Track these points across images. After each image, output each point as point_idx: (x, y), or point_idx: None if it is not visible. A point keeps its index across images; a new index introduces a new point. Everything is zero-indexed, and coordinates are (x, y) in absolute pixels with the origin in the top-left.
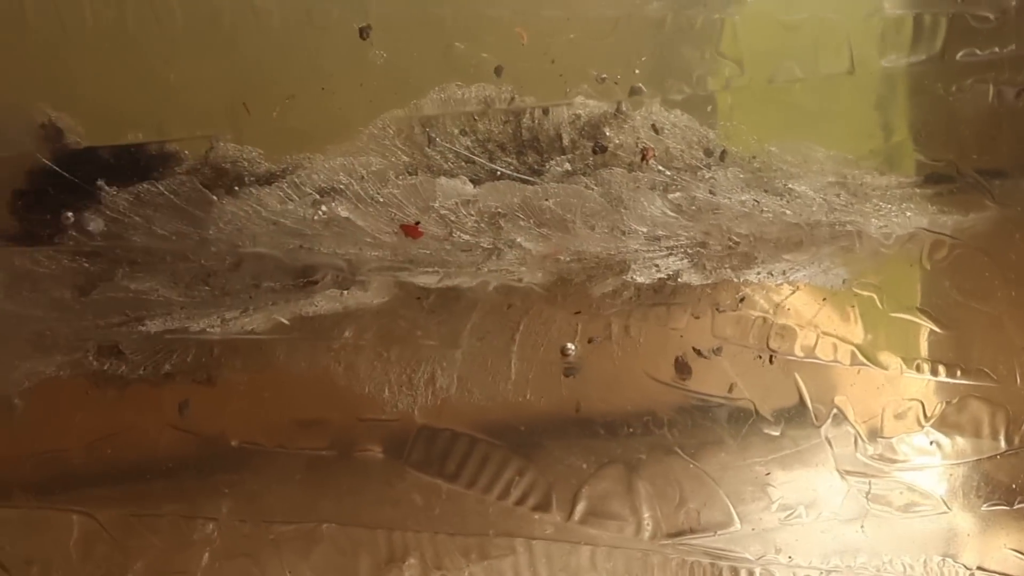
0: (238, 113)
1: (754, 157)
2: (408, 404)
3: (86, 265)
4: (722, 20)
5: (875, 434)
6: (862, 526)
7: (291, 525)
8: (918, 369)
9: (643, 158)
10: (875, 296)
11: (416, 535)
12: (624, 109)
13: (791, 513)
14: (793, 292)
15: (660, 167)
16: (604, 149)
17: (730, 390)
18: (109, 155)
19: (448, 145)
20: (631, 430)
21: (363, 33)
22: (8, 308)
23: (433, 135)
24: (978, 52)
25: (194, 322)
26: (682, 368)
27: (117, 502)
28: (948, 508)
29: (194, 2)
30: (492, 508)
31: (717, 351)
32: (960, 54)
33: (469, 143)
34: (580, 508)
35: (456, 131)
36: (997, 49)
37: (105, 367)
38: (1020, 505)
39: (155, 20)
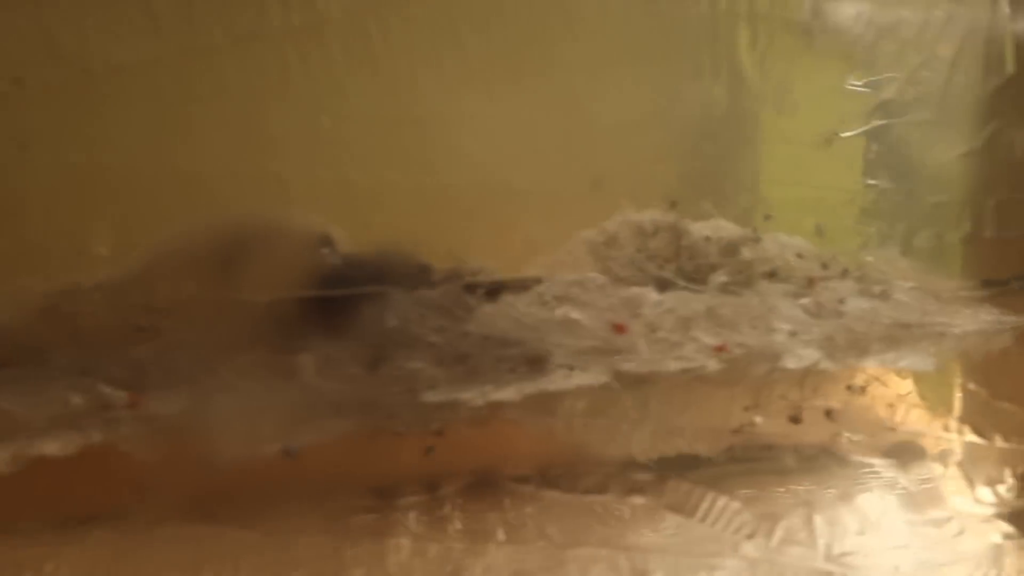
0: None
1: (858, 267)
2: (614, 453)
3: (373, 349)
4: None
5: (975, 485)
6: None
7: (580, 549)
8: (996, 440)
9: (810, 284)
10: (982, 389)
11: (661, 555)
12: (759, 235)
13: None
14: (898, 375)
15: (788, 283)
16: (773, 275)
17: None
18: (392, 266)
19: (628, 259)
20: (810, 485)
21: (596, 184)
22: (317, 382)
23: (615, 253)
24: None
25: (460, 393)
26: (796, 420)
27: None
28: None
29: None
30: (720, 536)
31: (830, 414)
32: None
33: (643, 258)
34: (777, 536)
35: (633, 248)
36: None
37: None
38: None
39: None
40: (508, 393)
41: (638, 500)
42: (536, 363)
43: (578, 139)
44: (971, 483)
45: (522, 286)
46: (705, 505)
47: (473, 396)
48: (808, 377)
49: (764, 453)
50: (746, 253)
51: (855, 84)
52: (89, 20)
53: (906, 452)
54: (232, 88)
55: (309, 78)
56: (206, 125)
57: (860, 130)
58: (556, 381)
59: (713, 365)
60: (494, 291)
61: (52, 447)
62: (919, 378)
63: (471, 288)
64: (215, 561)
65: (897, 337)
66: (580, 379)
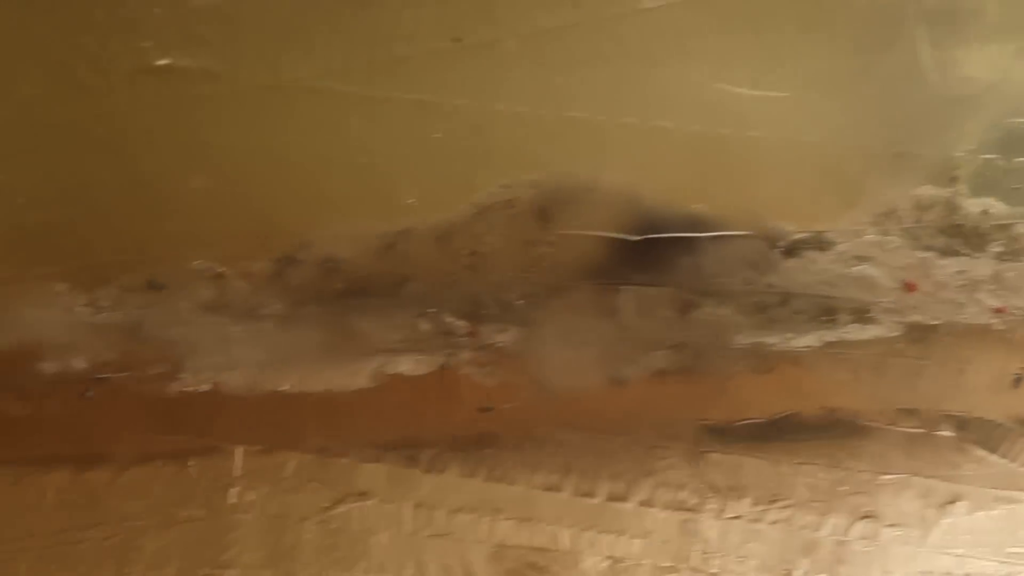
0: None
1: None
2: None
3: (684, 296)
4: None
5: None
6: None
7: (888, 476)
8: None
9: None
10: None
11: (967, 485)
12: None
13: None
14: None
15: None
16: None
17: None
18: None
19: (906, 227)
20: None
21: (898, 157)
22: (635, 322)
23: (893, 222)
24: None
25: (763, 339)
26: None
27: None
28: None
29: None
30: (1018, 472)
31: None
32: None
33: (922, 227)
34: None
35: (912, 220)
36: None
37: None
38: None
39: None
40: (807, 340)
41: (946, 434)
42: (832, 314)
43: (890, 113)
44: None
45: (822, 244)
46: (1007, 442)
47: (776, 342)
48: None
49: None
50: (1018, 229)
51: None
52: None
53: None
54: (631, 51)
55: (684, 46)
56: (595, 83)
57: None
58: (851, 332)
59: (993, 323)
60: (795, 248)
61: (405, 366)
62: None
63: (775, 244)
64: (581, 465)
65: None
66: (873, 331)
